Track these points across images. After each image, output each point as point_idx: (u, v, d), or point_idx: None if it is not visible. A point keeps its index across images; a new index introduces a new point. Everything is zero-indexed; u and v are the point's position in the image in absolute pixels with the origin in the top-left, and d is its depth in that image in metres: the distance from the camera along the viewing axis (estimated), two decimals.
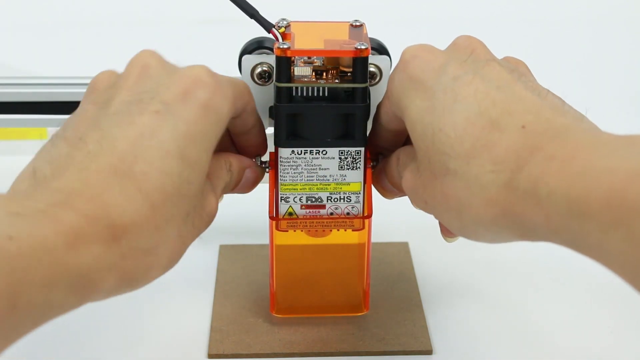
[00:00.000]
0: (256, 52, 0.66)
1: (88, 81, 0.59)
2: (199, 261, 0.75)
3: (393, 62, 0.66)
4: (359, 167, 0.63)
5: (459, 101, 0.53)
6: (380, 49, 0.66)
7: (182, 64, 0.58)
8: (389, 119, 0.60)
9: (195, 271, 0.74)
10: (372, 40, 0.66)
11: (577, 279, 0.74)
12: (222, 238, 0.78)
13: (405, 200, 0.83)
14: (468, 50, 0.56)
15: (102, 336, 0.68)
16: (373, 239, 0.68)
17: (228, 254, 0.76)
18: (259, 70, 0.65)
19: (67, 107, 0.70)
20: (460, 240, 0.73)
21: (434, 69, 0.55)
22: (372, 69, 0.65)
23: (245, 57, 0.65)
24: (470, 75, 0.54)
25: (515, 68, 0.56)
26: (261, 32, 0.64)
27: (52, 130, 0.76)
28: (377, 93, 0.65)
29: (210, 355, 0.66)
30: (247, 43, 0.67)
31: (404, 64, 0.57)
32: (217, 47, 0.67)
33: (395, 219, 0.79)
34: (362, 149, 0.62)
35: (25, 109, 0.71)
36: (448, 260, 0.76)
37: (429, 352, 0.66)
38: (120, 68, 0.58)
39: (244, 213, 0.80)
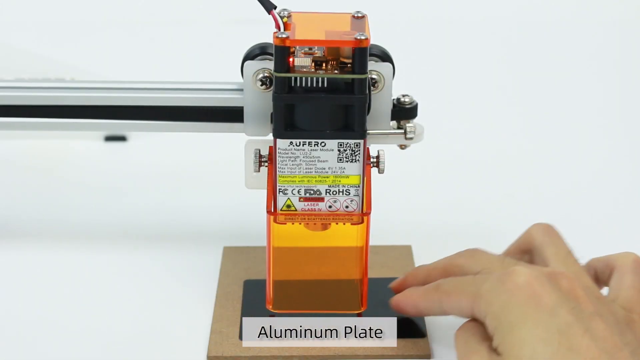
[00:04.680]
0: (259, 57, 0.66)
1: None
2: (203, 263, 0.75)
3: (396, 70, 0.67)
4: (358, 160, 0.63)
5: (574, 351, 0.56)
6: (384, 56, 0.66)
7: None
8: (462, 312, 0.62)
9: (199, 273, 0.74)
10: (375, 46, 0.66)
11: None
12: (226, 240, 0.78)
13: (408, 203, 0.83)
14: (572, 296, 0.59)
15: (103, 336, 0.68)
16: (375, 242, 0.67)
17: (232, 255, 0.76)
18: (260, 76, 0.65)
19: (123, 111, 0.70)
20: (464, 245, 0.72)
21: (548, 304, 0.58)
22: (374, 75, 0.65)
23: (247, 63, 0.66)
24: (582, 329, 0.57)
25: (617, 322, 0.59)
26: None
27: None
28: (378, 100, 0.66)
29: (209, 357, 0.66)
30: (250, 48, 0.67)
31: (517, 286, 0.58)
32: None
33: (398, 221, 0.78)
34: (362, 141, 0.62)
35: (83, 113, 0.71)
36: None
37: (427, 356, 0.66)
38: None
39: (249, 215, 0.80)
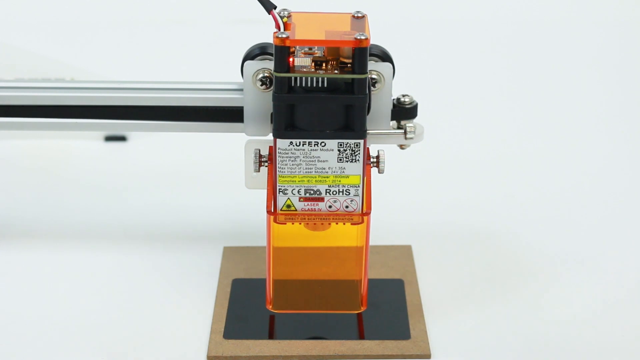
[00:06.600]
0: (259, 57, 0.66)
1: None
2: (203, 263, 0.75)
3: (396, 70, 0.67)
4: (358, 160, 0.63)
5: None
6: (384, 56, 0.66)
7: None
8: None
9: (199, 273, 0.74)
10: (375, 46, 0.66)
11: (580, 286, 0.73)
12: (226, 240, 0.78)
13: (408, 203, 0.83)
14: None
15: (103, 336, 0.68)
16: (375, 242, 0.67)
17: (231, 255, 0.76)
18: (260, 76, 0.66)
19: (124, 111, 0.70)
20: (464, 245, 0.73)
21: None
22: (374, 75, 0.65)
23: (247, 63, 0.66)
24: None
25: None
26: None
27: None
28: (378, 100, 0.66)
29: (209, 357, 0.66)
30: (250, 48, 0.67)
31: None
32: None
33: (398, 221, 0.78)
34: (362, 141, 0.62)
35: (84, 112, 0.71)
36: (451, 265, 0.75)
37: (427, 356, 0.66)
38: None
39: (249, 215, 0.80)
